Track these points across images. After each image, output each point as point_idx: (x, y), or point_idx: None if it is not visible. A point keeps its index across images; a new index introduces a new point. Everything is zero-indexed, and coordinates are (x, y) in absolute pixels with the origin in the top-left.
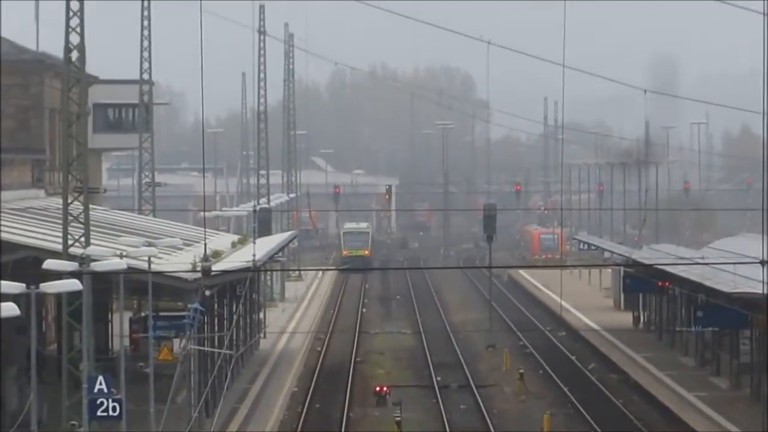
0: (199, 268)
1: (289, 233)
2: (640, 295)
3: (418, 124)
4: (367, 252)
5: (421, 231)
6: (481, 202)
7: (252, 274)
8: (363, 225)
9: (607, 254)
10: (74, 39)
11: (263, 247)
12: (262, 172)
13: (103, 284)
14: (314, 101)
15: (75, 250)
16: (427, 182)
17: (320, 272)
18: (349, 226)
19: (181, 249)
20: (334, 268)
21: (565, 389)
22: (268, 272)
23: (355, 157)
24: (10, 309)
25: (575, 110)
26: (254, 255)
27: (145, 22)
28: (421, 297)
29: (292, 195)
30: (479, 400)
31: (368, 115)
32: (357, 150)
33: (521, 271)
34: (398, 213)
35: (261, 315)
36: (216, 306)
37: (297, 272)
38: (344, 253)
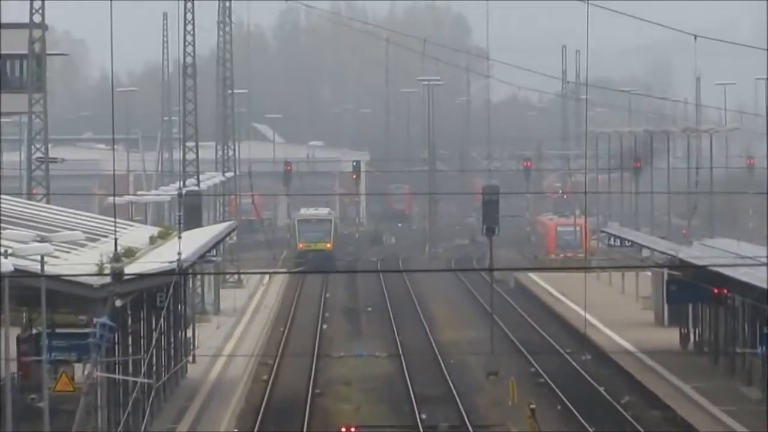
0: (107, 272)
1: (225, 225)
2: (690, 307)
3: (395, 81)
4: (329, 245)
5: (399, 222)
6: (480, 183)
7: (176, 278)
8: (323, 211)
9: (645, 252)
10: None
11: (191, 243)
12: (190, 144)
13: None
14: (258, 51)
15: None
16: (408, 157)
17: (267, 276)
18: (306, 213)
19: (84, 246)
20: (285, 270)
21: (591, 430)
22: (198, 276)
23: (312, 125)
24: None
25: (602, 63)
26: (180, 254)
27: None
28: (400, 309)
29: (229, 174)
30: None
31: (329, 70)
32: (314, 115)
33: (533, 275)
34: (369, 198)
35: (189, 333)
36: (130, 321)
37: (236, 276)
38: (299, 246)
